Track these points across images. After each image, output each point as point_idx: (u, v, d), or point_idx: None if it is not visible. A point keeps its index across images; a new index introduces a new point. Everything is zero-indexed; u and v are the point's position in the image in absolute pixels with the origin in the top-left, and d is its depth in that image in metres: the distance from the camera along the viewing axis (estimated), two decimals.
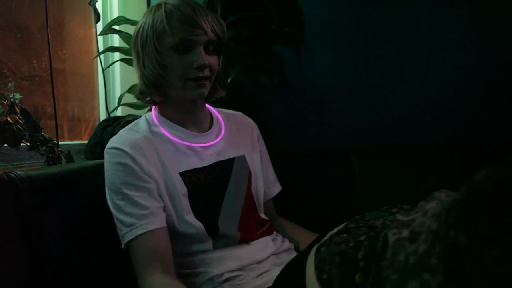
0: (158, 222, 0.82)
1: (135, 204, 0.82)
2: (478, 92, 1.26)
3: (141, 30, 0.89)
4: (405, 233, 0.46)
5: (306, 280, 0.57)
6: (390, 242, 0.46)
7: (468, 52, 1.28)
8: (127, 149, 0.85)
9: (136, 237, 0.80)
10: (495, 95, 1.25)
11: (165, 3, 0.88)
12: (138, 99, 0.95)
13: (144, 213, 0.81)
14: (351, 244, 0.53)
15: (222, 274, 0.85)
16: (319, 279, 0.53)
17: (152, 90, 0.90)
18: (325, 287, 0.52)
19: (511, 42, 1.23)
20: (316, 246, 0.61)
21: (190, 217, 0.87)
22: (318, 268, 0.55)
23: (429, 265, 0.40)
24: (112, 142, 0.88)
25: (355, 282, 0.48)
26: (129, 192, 0.82)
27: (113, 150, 0.86)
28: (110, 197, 0.84)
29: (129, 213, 0.81)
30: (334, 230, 0.63)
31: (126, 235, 0.81)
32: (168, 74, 0.87)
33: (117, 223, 0.83)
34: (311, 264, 0.57)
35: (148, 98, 0.93)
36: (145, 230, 0.80)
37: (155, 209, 0.83)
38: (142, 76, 0.90)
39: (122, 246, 0.82)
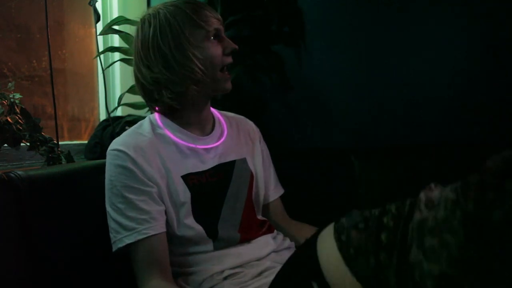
0: (158, 227, 0.82)
1: (136, 208, 0.81)
2: (478, 92, 1.26)
3: (157, 36, 0.85)
4: (422, 203, 0.49)
5: (318, 250, 0.54)
6: (417, 205, 0.48)
7: (468, 52, 1.28)
8: (129, 151, 0.84)
9: (136, 241, 0.80)
10: (495, 95, 1.25)
11: (173, 5, 0.88)
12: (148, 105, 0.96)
13: (145, 218, 0.81)
14: (374, 211, 0.53)
15: (222, 272, 0.85)
16: (337, 239, 0.52)
17: (174, 94, 0.87)
18: (342, 246, 0.51)
19: (511, 42, 1.23)
20: (334, 222, 0.58)
21: (190, 221, 0.86)
22: (337, 232, 0.53)
23: (450, 227, 0.44)
24: (115, 143, 0.87)
25: (381, 241, 0.48)
26: (130, 196, 0.82)
27: (116, 152, 0.85)
28: (110, 199, 0.84)
29: (129, 217, 0.81)
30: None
31: (125, 239, 0.80)
32: (206, 66, 0.87)
33: (113, 225, 0.82)
34: (327, 234, 0.55)
35: (160, 103, 0.90)
36: (145, 236, 0.80)
37: (156, 214, 0.83)
38: (169, 78, 0.86)
39: (115, 248, 0.82)
